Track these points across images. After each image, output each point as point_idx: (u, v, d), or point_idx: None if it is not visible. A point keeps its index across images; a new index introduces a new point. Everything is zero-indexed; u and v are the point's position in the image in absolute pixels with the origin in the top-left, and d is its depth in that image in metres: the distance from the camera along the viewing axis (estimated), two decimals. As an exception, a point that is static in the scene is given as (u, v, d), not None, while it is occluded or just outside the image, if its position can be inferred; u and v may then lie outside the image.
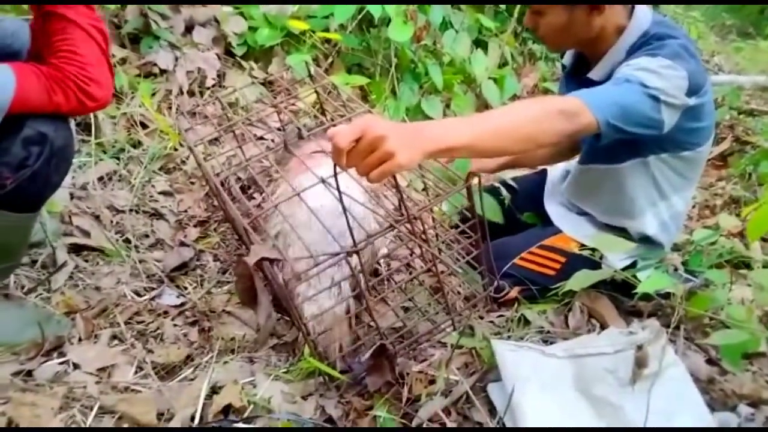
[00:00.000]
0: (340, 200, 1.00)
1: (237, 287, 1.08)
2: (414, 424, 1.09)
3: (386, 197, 1.39)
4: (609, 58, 1.29)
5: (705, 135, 1.30)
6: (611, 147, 1.19)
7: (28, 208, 1.13)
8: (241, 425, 1.03)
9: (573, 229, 1.44)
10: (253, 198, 1.77)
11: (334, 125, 1.10)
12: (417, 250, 1.38)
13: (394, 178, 0.96)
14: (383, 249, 1.33)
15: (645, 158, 1.31)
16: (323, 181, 1.13)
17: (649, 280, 1.03)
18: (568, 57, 1.45)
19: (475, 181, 1.03)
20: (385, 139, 0.85)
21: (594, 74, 1.32)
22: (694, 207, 2.10)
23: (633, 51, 1.24)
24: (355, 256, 1.03)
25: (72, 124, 1.73)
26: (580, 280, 1.11)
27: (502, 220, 1.48)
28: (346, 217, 1.02)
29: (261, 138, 1.92)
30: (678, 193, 1.36)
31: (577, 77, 1.38)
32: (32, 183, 1.08)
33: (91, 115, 1.74)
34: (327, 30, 2.33)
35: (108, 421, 1.05)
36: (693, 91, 1.18)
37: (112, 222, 1.58)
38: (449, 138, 0.93)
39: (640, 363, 1.05)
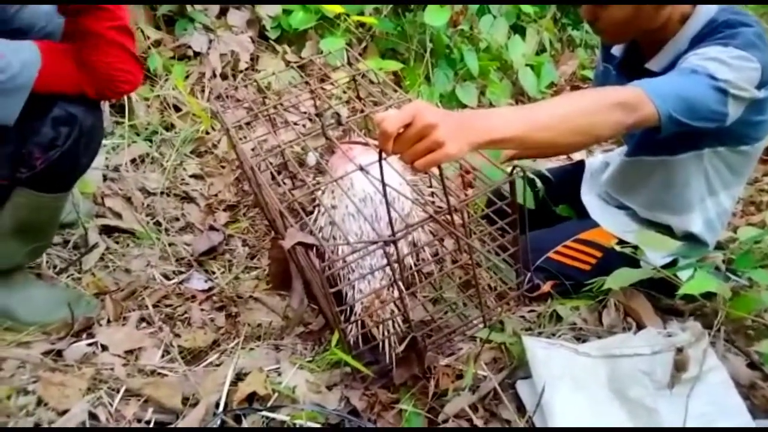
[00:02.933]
0: (383, 188, 0.96)
1: (270, 270, 1.06)
2: (440, 419, 1.07)
3: (420, 188, 1.36)
4: (671, 47, 1.21)
5: (766, 128, 1.22)
6: (666, 138, 1.13)
7: (57, 188, 1.13)
8: (264, 413, 1.02)
9: (612, 224, 1.38)
10: (284, 183, 1.76)
11: (372, 113, 1.07)
12: (447, 243, 1.35)
13: (439, 168, 0.93)
14: (422, 239, 1.30)
15: (700, 151, 1.23)
16: (362, 168, 1.10)
17: (694, 281, 0.97)
18: (617, 47, 1.37)
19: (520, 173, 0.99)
20: (436, 128, 0.81)
21: (653, 65, 1.24)
22: (738, 203, 2.01)
23: (699, 40, 1.16)
24: (392, 245, 1.00)
25: (106, 105, 1.75)
26: (620, 278, 1.07)
27: (533, 206, 1.42)
28: (387, 206, 0.99)
29: (294, 123, 1.90)
30: (727, 189, 1.29)
31: (631, 68, 1.30)
32: (61, 163, 1.08)
33: (125, 97, 1.75)
34: (362, 14, 2.29)
35: (134, 404, 1.05)
36: (764, 83, 1.10)
37: (143, 204, 1.59)
38: (501, 129, 0.89)
39: (679, 366, 1.01)
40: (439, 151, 0.82)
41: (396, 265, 1.00)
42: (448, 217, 1.03)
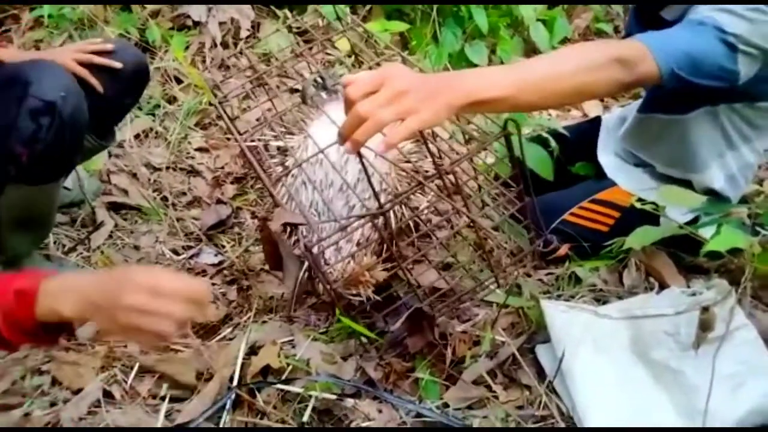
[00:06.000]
0: (360, 160, 0.92)
1: (264, 251, 1.04)
2: (458, 386, 1.05)
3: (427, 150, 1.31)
4: None
5: None
6: (676, 95, 1.06)
7: (49, 178, 1.10)
8: (279, 386, 1.01)
9: (629, 182, 1.33)
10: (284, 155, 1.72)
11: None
12: (446, 207, 1.31)
13: (421, 132, 0.87)
14: (423, 203, 1.26)
15: (713, 107, 1.16)
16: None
17: (720, 237, 0.93)
18: None
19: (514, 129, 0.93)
20: (406, 94, 0.75)
21: (667, 13, 1.15)
22: (763, 154, 1.93)
23: None
24: (381, 217, 0.97)
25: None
26: (641, 236, 1.02)
27: (551, 176, 1.37)
28: (368, 177, 0.95)
29: (295, 90, 1.86)
30: (749, 143, 1.22)
31: (647, 17, 1.21)
32: (48, 155, 1.04)
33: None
34: (365, -26, 2.21)
35: (148, 381, 1.05)
36: None
37: (149, 180, 1.57)
38: (484, 90, 0.82)
39: (705, 326, 0.97)
40: (411, 118, 0.76)
41: (387, 237, 0.97)
42: (442, 181, 0.98)
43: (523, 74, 0.88)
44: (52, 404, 0.99)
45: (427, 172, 1.13)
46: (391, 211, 1.04)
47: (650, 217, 1.17)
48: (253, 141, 1.23)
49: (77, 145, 1.10)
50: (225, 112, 1.25)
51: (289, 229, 1.05)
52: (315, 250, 1.01)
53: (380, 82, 0.76)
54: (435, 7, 2.24)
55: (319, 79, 1.20)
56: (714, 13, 0.99)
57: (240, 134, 1.22)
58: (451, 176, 0.96)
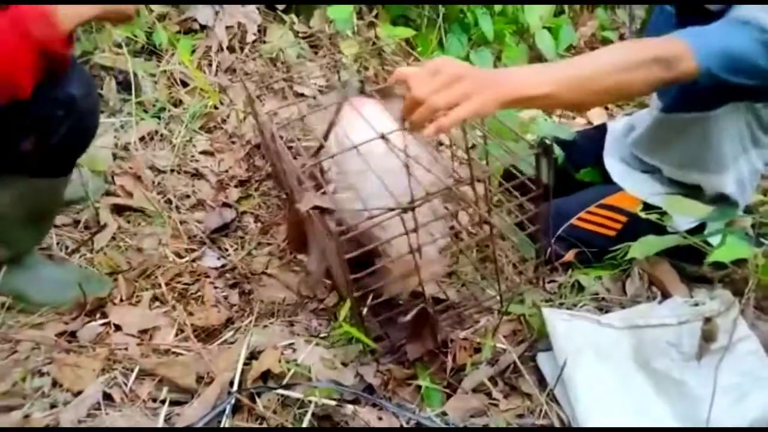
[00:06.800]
0: (405, 154, 0.92)
1: (288, 235, 1.04)
2: (458, 393, 1.04)
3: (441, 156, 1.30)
4: None
5: None
6: (705, 92, 1.05)
7: (56, 173, 1.10)
8: (279, 391, 1.01)
9: (636, 187, 1.32)
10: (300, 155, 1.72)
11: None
12: (463, 216, 1.31)
13: (464, 131, 0.89)
14: (442, 211, 1.25)
15: (736, 105, 1.15)
16: (383, 136, 1.05)
17: (725, 247, 0.92)
18: None
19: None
20: (463, 79, 0.79)
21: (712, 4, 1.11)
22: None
23: None
24: (410, 213, 0.96)
25: (113, 83, 1.72)
26: (644, 246, 1.02)
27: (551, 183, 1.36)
28: (408, 172, 0.95)
29: (302, 95, 1.86)
30: (758, 147, 1.22)
31: (689, 8, 1.18)
32: (58, 148, 1.05)
33: (131, 72, 1.72)
34: (372, -21, 2.22)
35: (148, 384, 1.04)
36: None
37: (153, 182, 1.57)
38: (529, 86, 0.85)
39: (707, 337, 0.96)
40: (465, 104, 0.79)
41: (414, 234, 0.96)
42: (468, 188, 0.98)
43: (566, 73, 0.90)
44: (52, 406, 0.99)
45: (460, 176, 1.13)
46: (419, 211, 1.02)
47: (657, 223, 1.16)
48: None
49: (86, 143, 1.11)
50: (251, 96, 1.25)
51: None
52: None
53: (436, 69, 0.80)
54: (441, 13, 2.24)
55: (360, 83, 1.21)
56: (758, 12, 0.97)
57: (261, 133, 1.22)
58: (480, 185, 0.97)
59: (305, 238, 1.01)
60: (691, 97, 1.15)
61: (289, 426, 0.97)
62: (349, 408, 0.98)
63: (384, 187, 1.01)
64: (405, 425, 0.98)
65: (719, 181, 1.24)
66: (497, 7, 2.41)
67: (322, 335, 1.15)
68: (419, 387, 1.04)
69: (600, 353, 1.04)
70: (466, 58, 2.28)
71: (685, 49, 0.94)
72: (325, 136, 1.19)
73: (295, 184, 1.08)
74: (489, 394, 1.04)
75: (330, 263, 1.05)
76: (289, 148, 1.25)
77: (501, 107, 0.85)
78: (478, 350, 1.11)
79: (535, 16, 2.45)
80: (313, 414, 0.98)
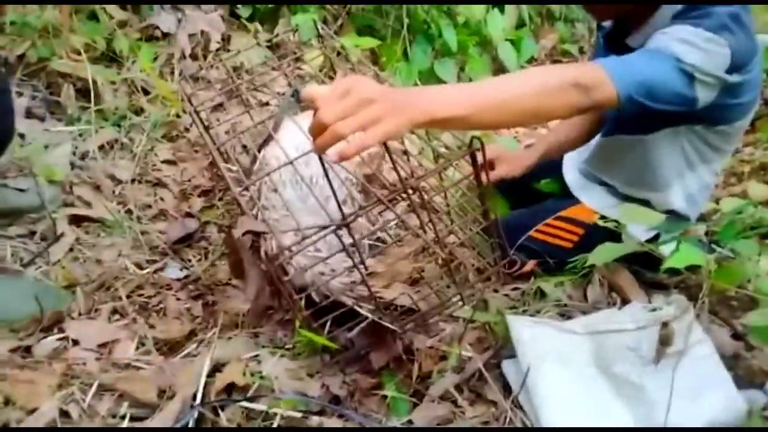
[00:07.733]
0: (324, 171, 0.92)
1: (229, 261, 1.03)
2: (424, 402, 1.05)
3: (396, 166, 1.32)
4: (652, 24, 1.15)
5: (745, 110, 1.18)
6: (639, 117, 1.09)
7: None
8: (243, 404, 0.99)
9: (593, 200, 1.36)
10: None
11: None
12: (413, 221, 1.31)
13: (385, 144, 0.88)
14: (391, 217, 1.26)
15: (675, 128, 1.20)
16: (291, 162, 1.04)
17: (678, 255, 0.95)
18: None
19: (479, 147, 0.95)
20: (370, 104, 0.75)
21: (633, 41, 1.19)
22: (719, 174, 2.00)
23: (678, 17, 1.10)
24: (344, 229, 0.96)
25: (71, 90, 1.68)
26: (603, 253, 1.04)
27: (507, 210, 1.39)
28: (332, 189, 0.95)
29: (266, 104, 1.85)
30: (707, 164, 1.27)
31: (614, 43, 1.25)
32: None
33: (90, 80, 1.68)
34: (336, -11, 2.23)
35: (108, 400, 1.01)
36: (736, 67, 1.05)
37: (113, 192, 1.54)
38: (444, 108, 0.83)
39: (664, 341, 0.99)
40: (372, 130, 0.75)
41: (353, 249, 0.96)
42: (408, 196, 0.98)
43: (483, 94, 0.88)
44: (4, 425, 0.95)
45: (394, 186, 1.14)
46: (358, 223, 1.04)
47: (613, 234, 1.19)
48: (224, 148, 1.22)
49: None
50: (199, 118, 1.24)
51: (253, 239, 1.04)
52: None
53: (345, 91, 0.76)
54: (405, 24, 2.27)
55: (295, 92, 1.21)
56: (671, 43, 1.02)
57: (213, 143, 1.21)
58: (416, 192, 0.96)
59: (243, 264, 1.00)
60: (626, 121, 1.19)
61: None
62: (315, 419, 0.98)
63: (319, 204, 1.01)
64: (371, 435, 0.97)
65: (665, 198, 1.29)
66: (461, 19, 2.45)
67: (287, 346, 1.14)
68: (385, 396, 1.04)
69: (562, 359, 1.06)
70: (431, 69, 2.31)
71: (603, 76, 0.96)
72: (259, 149, 1.19)
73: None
74: (455, 402, 1.05)
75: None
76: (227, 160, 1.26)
77: (415, 128, 0.82)
78: (444, 358, 1.11)
79: (497, 28, 2.50)
80: (278, 426, 0.97)
